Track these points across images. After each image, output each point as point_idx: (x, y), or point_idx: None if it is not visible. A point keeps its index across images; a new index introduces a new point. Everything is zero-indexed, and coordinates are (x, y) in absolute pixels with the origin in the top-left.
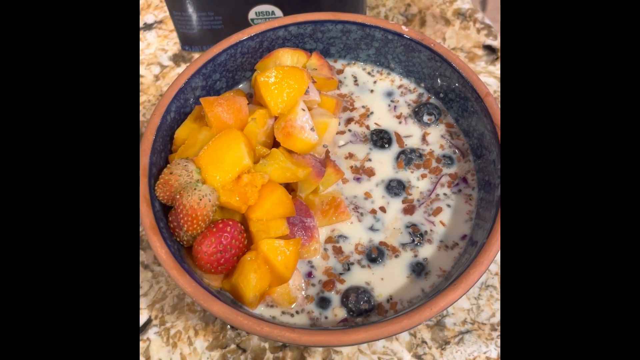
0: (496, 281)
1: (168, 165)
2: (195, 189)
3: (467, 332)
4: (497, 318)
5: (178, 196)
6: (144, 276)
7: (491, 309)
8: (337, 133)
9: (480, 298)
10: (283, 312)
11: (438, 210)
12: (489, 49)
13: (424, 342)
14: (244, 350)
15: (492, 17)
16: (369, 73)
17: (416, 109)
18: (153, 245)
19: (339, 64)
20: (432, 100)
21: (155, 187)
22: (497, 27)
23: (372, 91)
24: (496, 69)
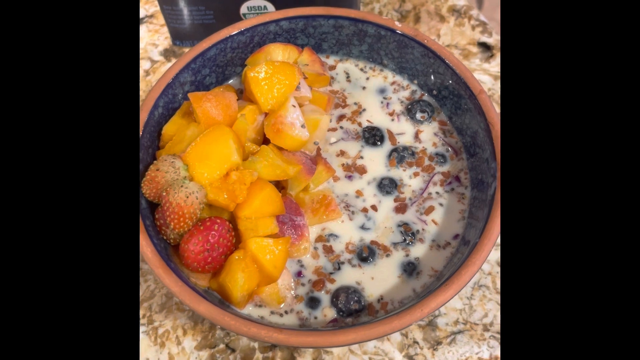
0: (489, 281)
1: (155, 161)
2: (182, 186)
3: (460, 332)
4: (490, 318)
5: (164, 193)
6: None
7: (484, 309)
8: (329, 130)
9: (472, 298)
10: (272, 312)
11: (430, 209)
12: (483, 46)
13: (415, 342)
14: (233, 350)
15: (489, 15)
16: (361, 69)
17: (409, 106)
18: (139, 243)
19: (331, 60)
20: (426, 97)
21: (142, 184)
22: (492, 25)
23: (364, 88)
24: (491, 66)
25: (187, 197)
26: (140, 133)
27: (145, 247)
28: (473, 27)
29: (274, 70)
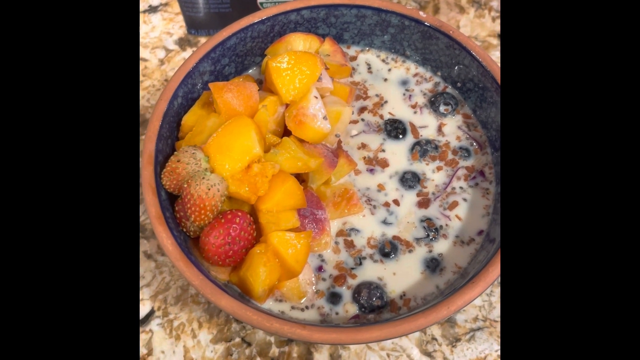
0: None
1: (175, 152)
2: (203, 178)
3: (479, 329)
4: None
5: (185, 185)
6: (147, 266)
7: None
8: (350, 122)
9: (492, 295)
10: (292, 307)
11: (454, 204)
12: None
13: (434, 338)
14: (249, 344)
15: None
16: (383, 60)
17: (432, 99)
18: (159, 235)
19: (352, 51)
20: (449, 89)
21: (162, 175)
22: None
23: (385, 79)
24: None
25: (209, 189)
26: (160, 123)
27: (166, 239)
28: (493, 19)
29: (296, 60)
